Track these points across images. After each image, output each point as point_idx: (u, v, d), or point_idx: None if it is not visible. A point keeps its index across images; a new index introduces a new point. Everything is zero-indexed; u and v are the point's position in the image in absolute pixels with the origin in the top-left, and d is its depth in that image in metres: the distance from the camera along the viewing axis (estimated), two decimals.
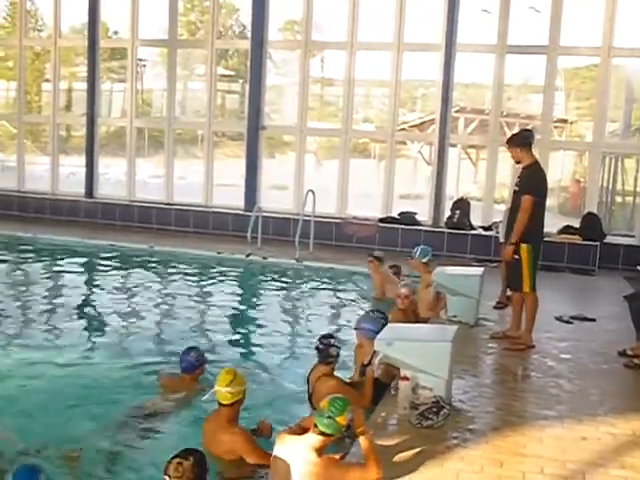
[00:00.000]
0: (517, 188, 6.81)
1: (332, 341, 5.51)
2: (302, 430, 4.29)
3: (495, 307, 8.33)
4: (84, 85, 14.88)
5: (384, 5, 12.62)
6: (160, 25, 14.32)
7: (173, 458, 3.41)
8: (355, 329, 6.06)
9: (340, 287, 10.12)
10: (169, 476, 3.32)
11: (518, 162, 6.89)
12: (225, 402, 4.65)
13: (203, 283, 10.52)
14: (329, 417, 3.81)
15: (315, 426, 3.88)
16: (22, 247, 12.18)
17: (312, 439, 3.87)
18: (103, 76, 15.03)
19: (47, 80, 16.71)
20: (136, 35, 14.20)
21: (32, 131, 16.69)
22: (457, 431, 4.85)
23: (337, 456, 4.10)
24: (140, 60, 15.08)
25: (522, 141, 6.84)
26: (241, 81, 16.71)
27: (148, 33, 14.42)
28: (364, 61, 13.00)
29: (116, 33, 15.95)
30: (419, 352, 5.12)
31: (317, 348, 5.51)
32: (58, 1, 14.66)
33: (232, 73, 17.43)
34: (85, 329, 8.11)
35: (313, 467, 3.79)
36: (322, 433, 3.84)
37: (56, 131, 15.17)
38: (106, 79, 15.55)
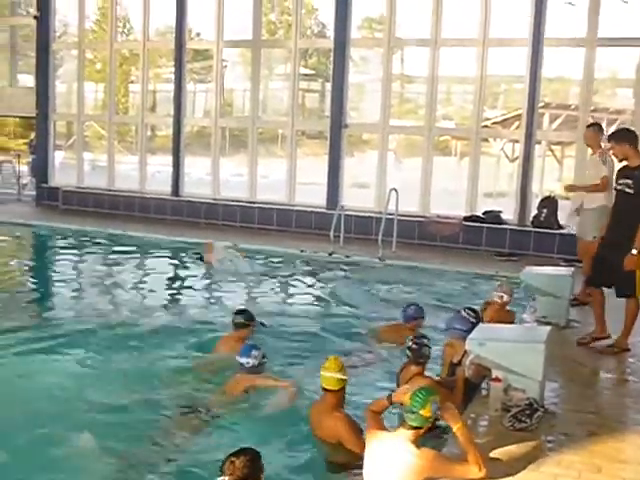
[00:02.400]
0: (631, 191, 6.30)
1: (425, 341, 5.50)
2: (373, 414, 4.32)
3: (572, 304, 7.80)
4: (167, 86, 15.28)
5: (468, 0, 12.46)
6: (239, 26, 14.51)
7: (228, 456, 3.52)
8: (446, 328, 6.02)
9: (424, 286, 10.02)
10: (223, 472, 3.44)
11: (622, 160, 6.52)
12: (330, 387, 4.80)
13: (286, 280, 10.64)
14: (413, 412, 3.89)
15: (404, 422, 3.97)
16: (113, 243, 12.63)
17: (405, 433, 3.94)
18: (187, 77, 15.38)
19: (132, 82, 17.26)
20: (221, 36, 14.48)
21: (119, 131, 17.27)
22: (551, 435, 4.74)
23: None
24: (222, 61, 15.37)
25: (632, 138, 6.44)
26: (320, 80, 16.82)
27: (228, 34, 14.62)
28: (446, 57, 12.85)
29: (198, 35, 16.31)
30: (512, 353, 5.05)
31: (409, 348, 5.49)
32: (147, 6, 15.10)
33: (311, 72, 17.55)
34: (174, 324, 8.33)
35: (416, 459, 3.82)
36: (412, 427, 3.92)
37: (144, 131, 15.65)
38: (189, 80, 15.90)
